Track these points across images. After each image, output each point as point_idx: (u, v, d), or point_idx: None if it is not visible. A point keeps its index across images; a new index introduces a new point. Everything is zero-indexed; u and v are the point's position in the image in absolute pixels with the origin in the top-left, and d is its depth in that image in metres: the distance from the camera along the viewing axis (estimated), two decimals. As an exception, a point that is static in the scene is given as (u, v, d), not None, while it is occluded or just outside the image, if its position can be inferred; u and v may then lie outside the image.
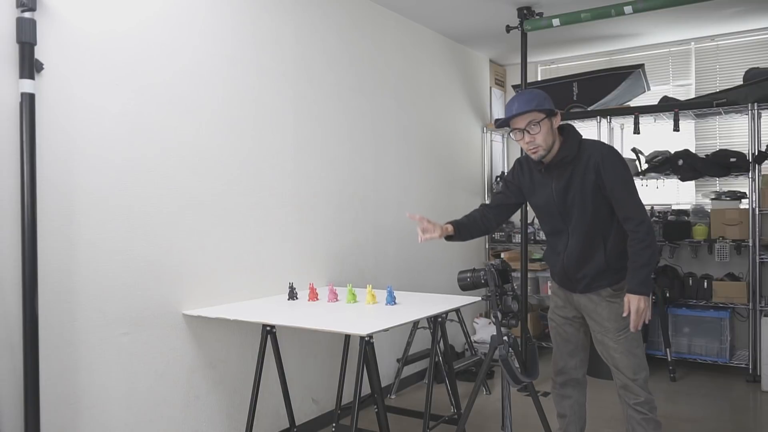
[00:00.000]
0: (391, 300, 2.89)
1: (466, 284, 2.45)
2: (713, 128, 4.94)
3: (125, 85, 2.57)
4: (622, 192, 2.39)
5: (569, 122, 2.61)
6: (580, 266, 2.49)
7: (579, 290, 2.53)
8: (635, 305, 2.35)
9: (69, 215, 2.37)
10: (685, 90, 5.08)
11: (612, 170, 2.39)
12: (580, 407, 2.72)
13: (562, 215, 2.50)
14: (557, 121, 2.44)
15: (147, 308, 2.65)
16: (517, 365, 2.39)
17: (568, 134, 2.47)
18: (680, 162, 4.56)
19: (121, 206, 2.55)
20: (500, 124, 2.49)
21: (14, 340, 2.20)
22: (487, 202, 5.46)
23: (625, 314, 2.38)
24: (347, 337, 3.35)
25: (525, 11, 4.19)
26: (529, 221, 4.69)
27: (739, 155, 4.41)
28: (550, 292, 2.81)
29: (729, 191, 4.56)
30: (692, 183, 4.85)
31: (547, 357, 4.92)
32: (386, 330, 2.49)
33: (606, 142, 2.52)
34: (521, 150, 2.57)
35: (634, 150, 4.84)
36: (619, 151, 5.19)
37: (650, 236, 2.36)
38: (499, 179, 5.45)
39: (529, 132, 2.38)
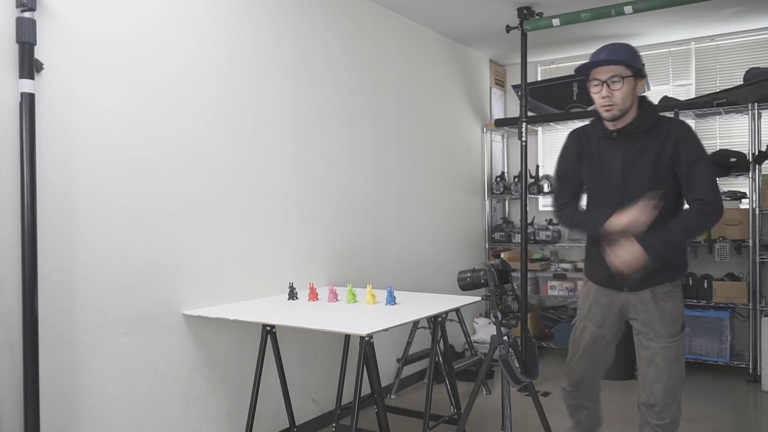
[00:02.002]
0: (391, 300, 2.88)
1: (466, 284, 2.45)
2: (713, 128, 4.94)
3: (125, 85, 2.57)
4: (700, 171, 2.17)
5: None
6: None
7: (630, 287, 2.31)
8: (629, 254, 2.16)
9: (69, 215, 2.37)
10: (685, 90, 5.08)
11: (694, 146, 2.19)
12: (595, 415, 2.60)
13: (621, 192, 2.26)
14: (641, 85, 2.25)
15: (147, 308, 2.65)
16: (517, 365, 2.39)
17: (647, 105, 2.30)
18: (680, 162, 4.55)
19: (121, 206, 2.55)
20: (582, 69, 2.25)
21: (14, 340, 2.20)
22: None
23: (618, 254, 2.18)
24: (347, 337, 3.35)
25: (525, 11, 4.18)
26: (528, 221, 4.70)
27: (739, 155, 4.40)
28: (579, 299, 2.56)
29: (729, 191, 4.55)
30: (692, 183, 4.85)
31: (548, 357, 4.92)
32: (386, 330, 2.49)
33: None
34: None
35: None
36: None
37: (713, 217, 2.17)
38: (499, 179, 5.45)
39: (609, 86, 2.19)
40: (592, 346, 2.47)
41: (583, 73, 2.29)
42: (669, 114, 4.53)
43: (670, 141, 2.21)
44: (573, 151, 2.41)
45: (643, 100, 2.32)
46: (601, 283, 2.42)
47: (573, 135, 2.44)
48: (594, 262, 2.42)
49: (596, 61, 2.21)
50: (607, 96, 2.20)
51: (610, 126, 2.29)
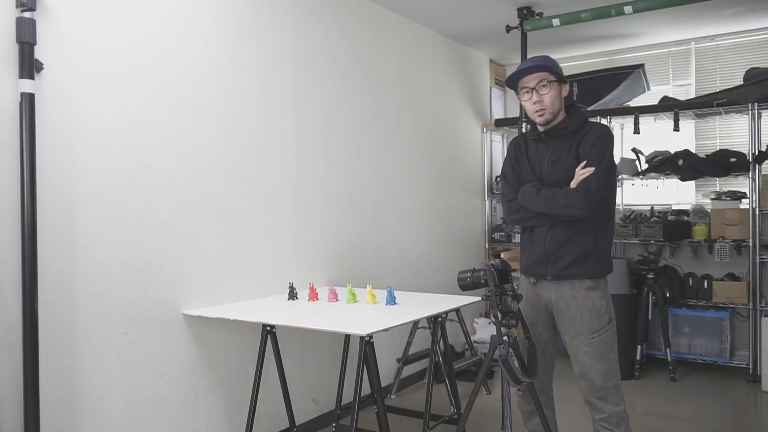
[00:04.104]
0: (391, 300, 2.88)
1: (466, 284, 2.44)
2: (713, 128, 4.94)
3: (126, 85, 2.57)
4: (591, 165, 2.28)
5: None
6: (565, 242, 2.37)
7: (554, 274, 2.38)
8: None
9: (69, 215, 2.37)
10: (685, 90, 5.08)
11: (596, 149, 2.30)
12: (549, 422, 2.57)
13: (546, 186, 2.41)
14: (565, 90, 2.40)
15: (147, 308, 2.65)
16: (517, 365, 2.38)
17: (576, 111, 2.43)
18: (680, 162, 4.56)
19: (121, 206, 2.55)
20: (509, 79, 2.39)
21: (14, 340, 2.20)
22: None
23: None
24: (347, 337, 3.35)
25: (525, 11, 4.19)
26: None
27: (739, 155, 4.41)
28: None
29: (729, 191, 4.56)
30: (692, 183, 4.85)
31: (547, 357, 4.92)
32: (386, 330, 2.49)
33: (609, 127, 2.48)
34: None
35: (634, 150, 4.84)
36: (619, 150, 5.23)
37: (572, 201, 2.27)
38: (498, 179, 5.44)
39: (538, 92, 2.33)
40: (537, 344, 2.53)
41: (512, 84, 2.42)
42: (668, 113, 4.58)
43: (584, 141, 2.35)
44: (513, 154, 2.55)
45: (574, 107, 2.45)
46: (529, 272, 2.51)
47: (513, 141, 2.60)
48: (525, 251, 2.54)
49: (524, 69, 2.35)
50: (538, 101, 2.35)
51: (540, 128, 2.43)
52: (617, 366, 2.42)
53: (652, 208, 4.87)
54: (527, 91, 2.36)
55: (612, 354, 2.39)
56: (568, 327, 2.41)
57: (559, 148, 2.39)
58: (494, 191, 5.46)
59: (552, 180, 2.40)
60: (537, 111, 2.36)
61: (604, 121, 4.90)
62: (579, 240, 2.36)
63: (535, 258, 2.47)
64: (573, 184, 2.32)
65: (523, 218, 2.46)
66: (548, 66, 2.35)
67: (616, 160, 4.99)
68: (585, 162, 2.31)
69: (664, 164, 4.66)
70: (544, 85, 2.33)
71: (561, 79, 2.37)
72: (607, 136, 2.36)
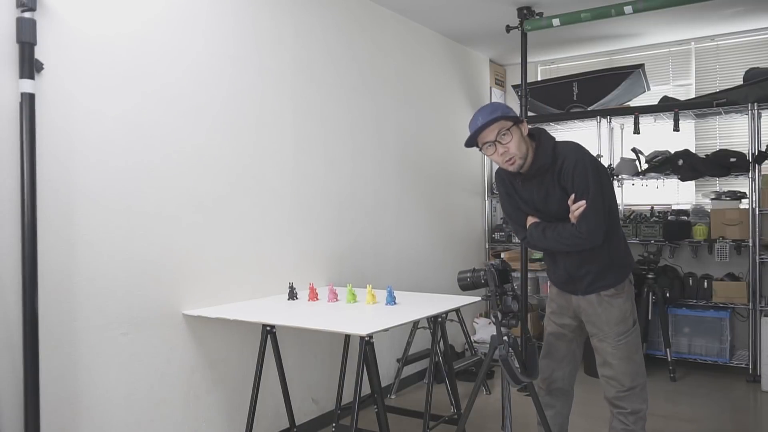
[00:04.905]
0: (391, 300, 2.88)
1: (466, 284, 2.45)
2: (713, 128, 4.94)
3: (125, 85, 2.57)
4: (581, 198, 2.28)
5: (539, 126, 2.51)
6: (583, 263, 2.42)
7: (581, 291, 2.46)
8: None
9: (69, 215, 2.37)
10: (685, 90, 5.08)
11: (579, 179, 2.27)
12: (563, 419, 2.66)
13: (547, 220, 2.43)
14: (525, 129, 2.34)
15: (147, 308, 2.65)
16: (517, 365, 2.39)
17: (540, 139, 2.36)
18: (680, 162, 4.56)
19: (120, 206, 2.55)
20: (469, 141, 2.33)
21: (14, 340, 2.20)
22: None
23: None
24: (347, 337, 3.35)
25: (525, 11, 4.18)
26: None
27: (739, 155, 4.41)
28: (547, 298, 2.74)
29: (729, 191, 4.56)
30: (692, 183, 4.85)
31: (547, 357, 4.92)
32: (386, 330, 2.49)
33: (579, 144, 2.42)
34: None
35: (634, 150, 4.84)
36: (619, 151, 5.22)
37: (579, 241, 2.29)
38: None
39: (500, 143, 2.28)
40: (554, 342, 2.62)
41: (473, 144, 2.36)
42: (668, 113, 4.58)
43: (563, 174, 2.31)
44: (503, 192, 2.54)
45: (536, 135, 2.38)
46: (559, 287, 2.59)
47: (498, 177, 2.56)
48: (551, 268, 2.60)
49: (480, 126, 2.27)
50: (504, 152, 2.30)
51: (519, 172, 2.39)
52: (643, 366, 2.48)
53: (652, 208, 4.87)
54: (490, 145, 2.31)
55: (638, 355, 2.46)
56: (596, 331, 2.48)
57: (543, 184, 2.37)
58: (494, 191, 5.46)
59: (550, 213, 2.41)
60: (507, 161, 2.33)
61: (603, 122, 4.91)
62: (596, 258, 2.41)
63: (559, 278, 2.55)
64: (572, 218, 2.31)
65: (542, 250, 2.61)
66: (501, 114, 2.28)
67: (616, 160, 5.01)
68: (573, 196, 2.29)
69: (664, 164, 4.66)
70: (504, 134, 2.28)
71: (517, 120, 2.32)
72: (582, 160, 2.31)
